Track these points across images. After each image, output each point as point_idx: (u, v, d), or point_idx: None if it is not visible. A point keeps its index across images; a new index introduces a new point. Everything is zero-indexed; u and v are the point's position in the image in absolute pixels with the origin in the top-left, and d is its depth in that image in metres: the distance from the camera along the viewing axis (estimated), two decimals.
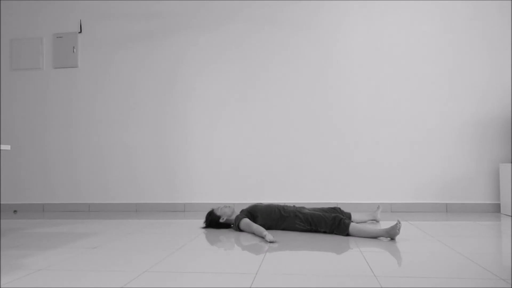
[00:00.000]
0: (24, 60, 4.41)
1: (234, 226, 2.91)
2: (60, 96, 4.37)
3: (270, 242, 2.44)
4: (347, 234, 2.59)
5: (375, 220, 3.21)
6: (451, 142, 3.85)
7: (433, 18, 3.92)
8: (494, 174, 3.80)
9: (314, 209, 2.94)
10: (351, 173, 3.94)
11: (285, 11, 4.08)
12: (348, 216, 3.02)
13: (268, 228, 2.78)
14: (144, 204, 4.17)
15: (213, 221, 2.99)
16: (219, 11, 4.17)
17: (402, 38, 3.95)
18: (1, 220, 3.62)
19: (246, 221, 2.78)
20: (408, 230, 2.80)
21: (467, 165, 3.83)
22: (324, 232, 2.70)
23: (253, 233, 2.71)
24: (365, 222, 3.15)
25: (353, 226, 2.60)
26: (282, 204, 2.98)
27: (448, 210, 3.82)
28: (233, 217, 2.95)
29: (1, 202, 4.38)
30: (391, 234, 2.45)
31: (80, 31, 4.36)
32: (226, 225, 2.98)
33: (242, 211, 2.93)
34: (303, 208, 2.91)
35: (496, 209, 3.76)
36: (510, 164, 3.50)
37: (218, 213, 2.99)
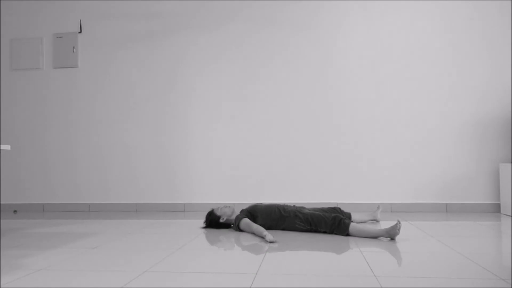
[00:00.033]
0: (24, 60, 4.41)
1: (234, 226, 2.91)
2: (60, 96, 4.37)
3: (270, 242, 2.44)
4: (347, 234, 2.59)
5: (375, 220, 3.21)
6: (451, 142, 3.85)
7: (433, 18, 3.92)
8: (494, 174, 3.80)
9: (314, 209, 2.94)
10: (351, 173, 3.94)
11: (285, 11, 4.08)
12: (348, 216, 3.02)
13: (268, 228, 2.78)
14: (144, 204, 4.17)
15: (213, 221, 2.99)
16: (219, 11, 4.17)
17: (402, 38, 3.95)
18: (1, 220, 3.62)
19: (246, 221, 2.78)
20: (408, 230, 2.80)
21: (467, 165, 3.83)
22: (324, 232, 2.70)
23: (253, 233, 2.71)
24: (365, 222, 3.15)
25: (353, 226, 2.60)
26: (282, 204, 2.98)
27: (448, 210, 3.82)
28: (233, 217, 2.95)
29: (1, 202, 4.38)
30: (391, 234, 2.45)
31: (80, 31, 4.36)
32: (226, 225, 2.98)
33: (242, 211, 2.93)
34: (303, 208, 2.91)
35: (496, 209, 3.76)
36: (510, 164, 3.50)
37: (218, 213, 2.99)
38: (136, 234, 2.81)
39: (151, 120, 4.23)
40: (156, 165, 4.20)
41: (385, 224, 2.90)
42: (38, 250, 2.30)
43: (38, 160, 4.37)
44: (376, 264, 1.89)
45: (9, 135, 4.41)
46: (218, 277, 1.74)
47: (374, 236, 2.52)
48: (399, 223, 2.42)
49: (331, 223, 2.66)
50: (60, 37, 4.37)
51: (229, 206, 3.04)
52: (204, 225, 3.06)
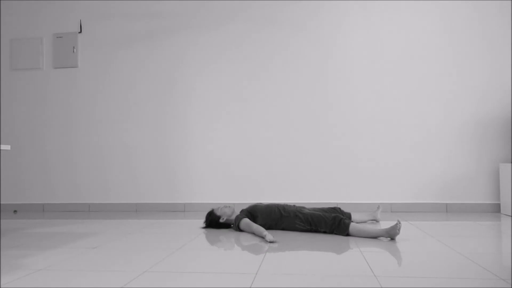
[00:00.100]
0: (24, 60, 4.41)
1: (234, 226, 2.91)
2: (60, 96, 4.37)
3: (270, 242, 2.44)
4: (347, 234, 2.59)
5: (375, 220, 3.21)
6: (451, 142, 3.85)
7: (433, 18, 3.92)
8: (494, 174, 3.80)
9: (314, 209, 2.94)
10: (351, 173, 3.94)
11: (285, 11, 4.08)
12: (348, 216, 3.02)
13: (268, 228, 2.79)
14: (144, 204, 4.17)
15: (213, 221, 2.99)
16: (219, 11, 4.17)
17: (402, 38, 3.95)
18: (1, 220, 3.62)
19: (246, 221, 2.78)
20: (408, 230, 2.80)
21: (467, 165, 3.83)
22: (324, 232, 2.70)
23: (253, 233, 2.71)
24: (365, 222, 3.15)
25: (353, 226, 2.60)
26: (282, 204, 2.98)
27: (448, 210, 3.82)
28: (233, 217, 2.95)
29: (1, 202, 4.38)
30: (391, 234, 2.45)
31: (80, 31, 4.36)
32: (226, 225, 2.98)
33: (242, 211, 2.93)
34: (303, 208, 2.91)
35: (496, 209, 3.76)
36: (510, 164, 3.50)
37: (218, 213, 2.99)
38: (136, 234, 2.81)
39: (151, 120, 4.23)
40: (156, 165, 4.20)
41: (385, 224, 2.90)
42: (38, 250, 2.30)
43: (38, 160, 4.37)
44: (376, 264, 1.89)
45: (9, 135, 4.41)
46: (218, 277, 1.74)
47: (374, 236, 2.52)
48: (399, 223, 2.42)
49: (331, 223, 2.66)
50: (60, 37, 4.37)
51: (229, 206, 3.04)
52: (204, 225, 3.06)
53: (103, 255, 2.17)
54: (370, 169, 3.92)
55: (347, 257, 2.07)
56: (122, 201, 4.22)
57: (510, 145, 3.79)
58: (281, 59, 4.07)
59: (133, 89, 4.27)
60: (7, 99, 4.44)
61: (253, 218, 2.84)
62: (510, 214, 3.51)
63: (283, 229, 2.84)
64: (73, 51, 4.34)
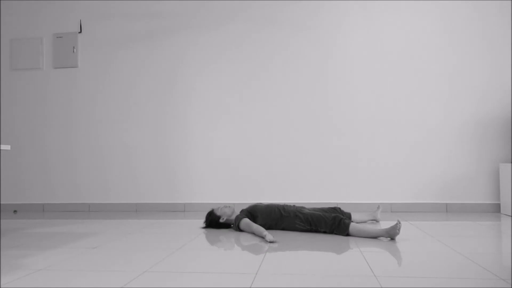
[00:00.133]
0: (24, 60, 4.41)
1: (234, 226, 2.91)
2: (60, 96, 4.37)
3: (270, 242, 2.44)
4: (347, 234, 2.59)
5: (375, 220, 3.21)
6: (451, 142, 3.85)
7: (433, 18, 3.92)
8: (494, 174, 3.80)
9: (314, 209, 2.94)
10: (351, 173, 3.94)
11: (285, 11, 4.08)
12: (348, 216, 3.02)
13: (268, 228, 2.79)
14: (144, 204, 4.18)
15: (213, 221, 2.99)
16: (219, 11, 4.17)
17: (402, 38, 3.95)
18: (1, 220, 3.62)
19: (246, 221, 2.78)
20: (408, 230, 2.80)
21: (467, 165, 3.83)
22: (324, 232, 2.70)
23: (253, 233, 2.71)
24: (365, 222, 3.15)
25: (353, 226, 2.60)
26: (282, 204, 2.98)
27: (448, 210, 3.82)
28: (233, 217, 2.95)
29: (1, 202, 4.38)
30: (391, 234, 2.45)
31: (80, 31, 4.36)
32: (226, 225, 2.98)
33: (242, 211, 2.93)
34: (303, 208, 2.91)
35: (496, 209, 3.76)
36: (510, 164, 3.50)
37: (218, 213, 2.99)
38: (136, 234, 2.81)
39: (151, 120, 4.23)
40: (156, 165, 4.20)
41: (385, 224, 2.90)
42: (38, 250, 2.30)
43: (38, 160, 4.37)
44: (376, 264, 1.89)
45: (9, 135, 4.41)
46: (218, 277, 1.74)
47: (374, 236, 2.52)
48: (399, 223, 2.42)
49: (331, 223, 2.66)
50: (60, 37, 4.37)
51: (229, 206, 3.04)
52: (204, 225, 3.06)
53: (103, 255, 2.17)
54: (370, 169, 3.92)
55: (347, 257, 2.07)
56: (122, 201, 4.22)
57: (510, 145, 3.79)
58: (281, 59, 4.07)
59: (133, 89, 4.27)
60: (7, 99, 4.44)
61: (253, 218, 2.84)
62: (510, 214, 3.51)
63: (283, 229, 2.84)
64: (73, 51, 4.34)
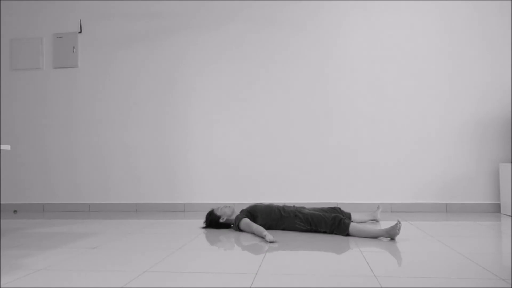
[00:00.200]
0: (24, 60, 4.41)
1: (234, 226, 2.91)
2: (60, 96, 4.37)
3: (270, 242, 2.44)
4: (347, 234, 2.59)
5: (375, 220, 3.21)
6: (451, 142, 3.85)
7: (433, 18, 3.92)
8: (494, 174, 3.80)
9: (314, 209, 2.94)
10: (351, 173, 3.94)
11: (285, 11, 4.08)
12: (348, 216, 3.02)
13: (268, 228, 2.79)
14: (144, 204, 4.17)
15: (213, 221, 2.99)
16: (219, 11, 4.17)
17: (402, 38, 3.95)
18: (1, 220, 3.62)
19: (246, 221, 2.78)
20: (408, 230, 2.80)
21: (467, 165, 3.83)
22: (324, 232, 2.70)
23: (253, 233, 2.71)
24: (365, 222, 3.15)
25: (353, 226, 2.60)
26: (282, 204, 2.98)
27: (448, 210, 3.82)
28: (233, 217, 2.95)
29: (1, 202, 4.38)
30: (391, 234, 2.45)
31: (80, 31, 4.36)
32: (226, 225, 2.98)
33: (242, 211, 2.93)
34: (303, 208, 2.91)
35: (496, 209, 3.76)
36: (510, 164, 3.50)
37: (218, 213, 2.99)
38: (136, 234, 2.81)
39: (151, 120, 4.23)
40: (156, 165, 4.20)
41: (385, 224, 2.90)
42: (38, 250, 2.30)
43: (38, 160, 4.37)
44: (376, 264, 1.89)
45: (9, 135, 4.41)
46: (218, 277, 1.74)
47: (374, 236, 2.52)
48: (399, 223, 2.42)
49: (331, 223, 2.66)
50: (60, 37, 4.37)
51: (229, 206, 3.04)
52: (204, 225, 3.06)
53: (103, 255, 2.17)
54: (370, 169, 3.92)
55: (347, 257, 2.07)
56: (122, 201, 4.22)
57: (510, 145, 3.79)
58: (281, 59, 4.07)
59: (133, 89, 4.27)
60: (7, 99, 4.44)
61: (253, 218, 2.84)
62: (510, 214, 3.51)
63: (283, 229, 2.84)
64: (73, 51, 4.34)
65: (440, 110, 3.87)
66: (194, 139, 4.16)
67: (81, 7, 4.37)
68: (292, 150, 4.02)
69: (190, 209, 4.10)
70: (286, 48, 4.07)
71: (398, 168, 3.89)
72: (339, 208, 3.01)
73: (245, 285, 1.60)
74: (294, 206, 2.96)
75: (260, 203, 3.09)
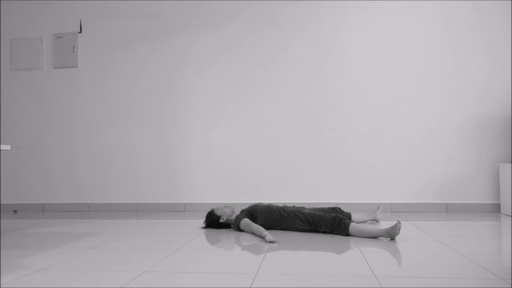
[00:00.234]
0: (24, 60, 4.41)
1: (234, 226, 2.91)
2: (60, 96, 4.37)
3: (270, 242, 2.44)
4: (347, 234, 2.59)
5: (375, 220, 3.21)
6: (451, 142, 3.85)
7: (433, 18, 3.92)
8: (494, 174, 3.80)
9: (314, 209, 2.94)
10: (351, 173, 3.94)
11: (285, 11, 4.08)
12: (348, 216, 3.02)
13: (268, 228, 2.79)
14: (144, 204, 4.17)
15: (213, 221, 2.99)
16: (219, 11, 4.17)
17: (402, 38, 3.95)
18: (1, 220, 3.62)
19: (246, 221, 2.78)
20: (408, 230, 2.80)
21: (467, 165, 3.83)
22: (324, 232, 2.70)
23: (253, 233, 2.71)
24: (365, 222, 3.15)
25: (353, 226, 2.60)
26: (282, 204, 2.98)
27: (448, 210, 3.82)
28: (233, 217, 2.95)
29: (1, 202, 4.38)
30: (391, 234, 2.45)
31: (80, 31, 4.36)
32: (226, 225, 2.98)
33: (242, 211, 2.93)
34: (303, 208, 2.91)
35: (496, 209, 3.76)
36: (510, 164, 3.50)
37: (218, 213, 2.99)
38: (136, 234, 2.81)
39: (151, 120, 4.23)
40: (156, 165, 4.20)
41: (385, 224, 2.90)
42: (38, 250, 2.30)
43: (38, 160, 4.37)
44: (376, 264, 1.89)
45: (9, 135, 4.41)
46: (218, 277, 1.74)
47: (374, 236, 2.52)
48: (399, 223, 2.42)
49: (331, 223, 2.66)
50: (60, 37, 4.37)
51: (229, 206, 3.04)
52: (204, 225, 3.06)
53: (103, 255, 2.17)
54: (370, 169, 3.92)
55: (347, 257, 2.07)
56: (122, 201, 4.22)
57: (510, 145, 3.79)
58: (281, 59, 4.07)
59: (133, 89, 4.27)
60: (7, 99, 4.44)
61: (253, 218, 2.84)
62: (510, 214, 3.51)
63: (283, 229, 2.84)
64: (73, 51, 4.34)
65: (440, 110, 3.87)
66: (194, 139, 4.16)
67: (81, 7, 4.37)
68: (292, 150, 4.02)
69: (190, 209, 4.10)
70: (286, 48, 4.07)
71: (398, 168, 3.89)
72: (339, 208, 3.01)
73: (245, 285, 1.60)
74: (294, 206, 2.96)
75: (260, 203, 3.09)
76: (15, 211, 4.26)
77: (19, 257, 2.14)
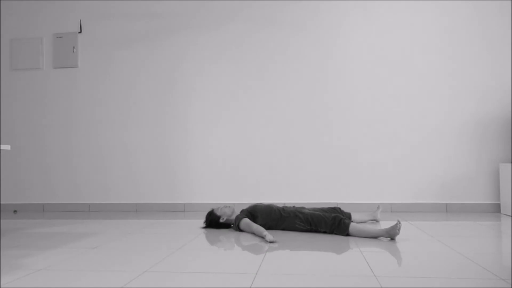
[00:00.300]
0: (24, 60, 4.41)
1: (234, 226, 2.91)
2: (60, 96, 4.37)
3: (270, 242, 2.44)
4: (347, 234, 2.59)
5: (375, 220, 3.21)
6: (451, 142, 3.85)
7: (433, 18, 3.92)
8: (494, 174, 3.80)
9: (314, 209, 2.94)
10: (351, 173, 3.94)
11: (285, 11, 4.08)
12: (348, 216, 3.02)
13: (268, 228, 2.79)
14: (144, 204, 4.17)
15: (213, 221, 2.99)
16: (219, 11, 4.17)
17: (402, 38, 3.95)
18: (1, 220, 3.62)
19: (246, 221, 2.78)
20: (408, 230, 2.80)
21: (467, 165, 3.83)
22: (324, 232, 2.70)
23: (253, 233, 2.71)
24: (365, 222, 3.15)
25: (353, 226, 2.60)
26: (282, 205, 2.98)
27: (448, 210, 3.82)
28: (233, 217, 2.95)
29: (1, 202, 4.38)
30: (391, 234, 2.45)
31: (80, 31, 4.36)
32: (226, 225, 2.98)
33: (242, 211, 2.93)
34: (303, 208, 2.91)
35: (496, 209, 3.76)
36: (510, 164, 3.50)
37: (218, 213, 2.99)
38: (136, 234, 2.81)
39: (151, 120, 4.23)
40: (156, 165, 4.20)
41: (385, 224, 2.90)
42: (38, 250, 2.30)
43: (38, 160, 4.37)
44: (376, 264, 1.89)
45: (9, 135, 4.41)
46: (218, 277, 1.74)
47: (374, 236, 2.52)
48: (399, 223, 2.42)
49: (331, 223, 2.66)
50: (60, 37, 4.37)
51: (229, 206, 3.04)
52: (204, 225, 3.06)
53: (103, 255, 2.17)
54: (370, 169, 3.92)
55: (347, 257, 2.07)
56: (122, 201, 4.22)
57: (510, 145, 3.79)
58: (281, 59, 4.07)
59: (133, 89, 4.27)
60: (7, 99, 4.44)
61: (253, 218, 2.84)
62: (510, 214, 3.51)
63: (283, 229, 2.84)
64: (73, 51, 4.34)
65: (440, 110, 3.87)
66: (194, 139, 4.16)
67: (81, 7, 4.37)
68: (292, 150, 4.02)
69: (190, 209, 4.10)
70: (286, 48, 4.07)
71: (398, 168, 3.89)
72: (339, 208, 3.01)
73: (245, 285, 1.60)
74: (294, 206, 2.96)
75: (260, 203, 3.09)
76: (15, 211, 4.26)
77: (19, 257, 2.14)
